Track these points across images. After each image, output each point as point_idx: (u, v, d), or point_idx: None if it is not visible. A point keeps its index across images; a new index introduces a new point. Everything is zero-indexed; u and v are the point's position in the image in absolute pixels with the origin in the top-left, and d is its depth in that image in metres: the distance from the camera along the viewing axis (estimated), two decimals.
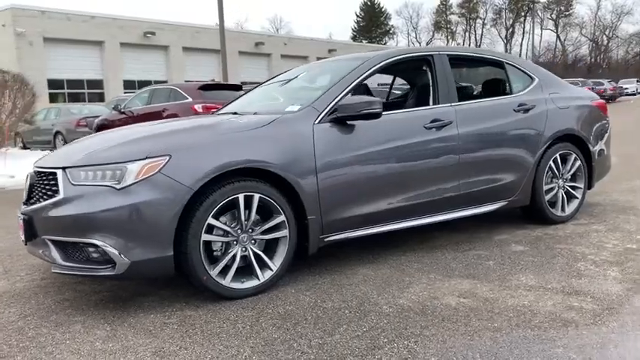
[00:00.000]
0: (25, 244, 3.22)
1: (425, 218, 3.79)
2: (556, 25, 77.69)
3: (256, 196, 3.07)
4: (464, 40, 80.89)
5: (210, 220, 2.95)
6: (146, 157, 2.86)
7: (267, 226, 3.15)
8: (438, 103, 3.92)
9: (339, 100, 3.45)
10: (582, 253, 3.70)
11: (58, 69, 26.39)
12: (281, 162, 3.14)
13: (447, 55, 4.11)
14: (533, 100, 4.37)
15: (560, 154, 4.46)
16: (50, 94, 25.99)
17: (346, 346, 2.45)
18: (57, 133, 15.71)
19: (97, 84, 28.37)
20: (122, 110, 12.30)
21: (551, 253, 3.75)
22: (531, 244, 3.97)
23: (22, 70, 24.80)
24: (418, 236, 4.25)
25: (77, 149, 3.29)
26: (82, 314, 2.98)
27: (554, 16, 77.63)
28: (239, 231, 3.08)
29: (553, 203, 4.51)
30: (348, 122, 3.45)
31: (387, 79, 5.87)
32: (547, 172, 4.41)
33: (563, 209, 4.55)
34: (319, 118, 3.39)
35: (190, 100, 10.81)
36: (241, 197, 3.03)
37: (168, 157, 2.88)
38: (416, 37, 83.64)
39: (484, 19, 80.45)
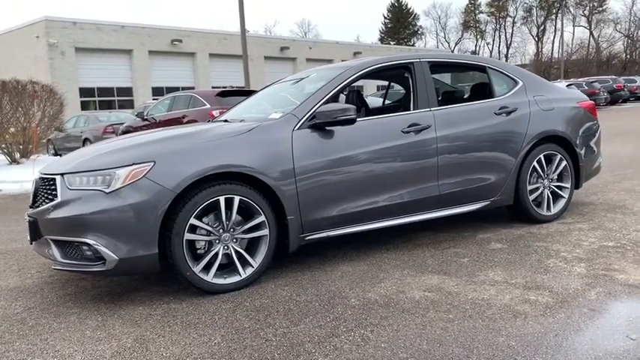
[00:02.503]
0: (31, 244, 3.55)
1: (404, 218, 3.99)
2: (589, 22, 76.06)
3: (237, 198, 3.33)
4: (493, 40, 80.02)
5: (193, 221, 3.21)
6: (132, 164, 3.15)
7: (248, 226, 3.41)
8: (418, 108, 4.12)
9: (317, 108, 3.68)
10: (556, 251, 3.84)
11: (89, 77, 27.33)
12: (261, 166, 3.39)
13: (428, 62, 4.30)
14: (516, 103, 4.52)
15: (544, 155, 4.59)
16: (82, 102, 26.94)
17: (307, 334, 2.68)
18: (85, 140, 16.36)
19: (126, 91, 29.24)
20: (145, 117, 12.77)
21: (526, 250, 3.90)
22: (511, 242, 4.12)
23: (55, 79, 25.92)
24: (404, 235, 4.45)
25: (75, 157, 3.61)
26: (79, 307, 3.28)
27: (586, 12, 76.06)
28: (221, 230, 3.34)
29: (539, 203, 4.64)
30: (327, 128, 3.68)
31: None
32: (531, 173, 4.54)
33: (549, 208, 4.67)
34: (299, 125, 3.62)
35: (208, 106, 11.19)
36: (222, 199, 3.29)
37: (152, 163, 3.16)
38: (445, 37, 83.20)
39: (514, 18, 79.36)
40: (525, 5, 78.07)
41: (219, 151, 3.33)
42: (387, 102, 6.06)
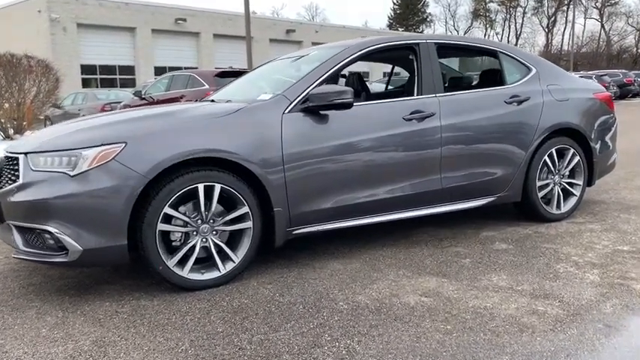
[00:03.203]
0: None
1: (402, 213, 3.67)
2: (601, 15, 74.89)
3: (217, 187, 3.01)
4: (503, 29, 78.98)
5: (168, 210, 2.91)
6: (101, 144, 2.83)
7: (229, 217, 3.10)
8: (422, 94, 3.78)
9: (311, 90, 3.35)
10: (567, 254, 3.52)
11: (90, 54, 26.94)
12: (245, 152, 3.07)
13: (435, 43, 3.95)
14: (528, 92, 4.17)
15: (556, 149, 4.26)
16: (83, 79, 26.58)
17: (287, 343, 2.38)
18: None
19: (128, 70, 28.83)
20: (143, 96, 12.44)
21: (534, 252, 3.58)
22: (517, 243, 3.81)
23: (56, 55, 25.56)
24: (402, 230, 4.14)
25: (42, 135, 3.30)
26: (41, 300, 2.99)
27: (598, 4, 74.90)
28: (199, 221, 3.03)
29: (548, 200, 4.32)
30: (321, 112, 3.35)
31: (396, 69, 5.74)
32: (541, 168, 4.22)
33: (558, 206, 4.35)
34: (290, 108, 3.30)
35: (207, 86, 10.85)
36: (201, 187, 2.97)
37: (123, 145, 2.84)
38: (454, 26, 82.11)
39: (525, 8, 78.15)
40: None
41: (199, 134, 3.01)
42: (390, 88, 5.70)
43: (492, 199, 4.06)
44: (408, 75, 4.51)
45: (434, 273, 3.23)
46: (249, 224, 3.13)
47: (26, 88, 12.16)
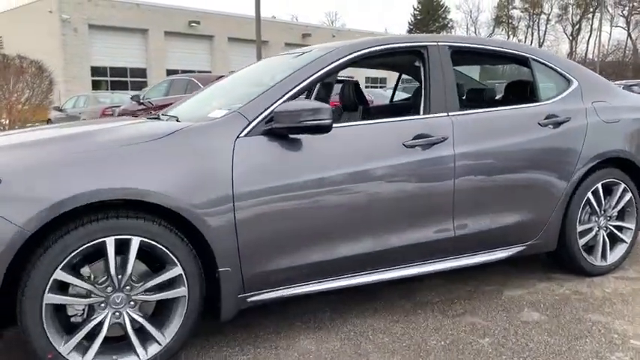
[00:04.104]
0: None
1: (400, 270, 2.78)
2: (627, 23, 72.88)
3: (135, 241, 2.16)
4: (525, 37, 77.33)
5: (60, 274, 2.05)
6: None
7: (153, 283, 2.24)
8: (430, 112, 2.88)
9: (278, 106, 2.47)
10: (622, 334, 2.59)
11: (101, 56, 26.41)
12: (176, 191, 2.21)
13: (449, 47, 3.04)
14: (569, 111, 3.25)
15: (603, 184, 3.33)
16: (93, 81, 26.08)
17: None
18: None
19: (140, 72, 28.27)
20: (141, 101, 11.72)
21: (576, 329, 2.66)
22: (552, 310, 2.89)
23: (67, 56, 25.12)
24: (403, 285, 3.23)
25: None
26: None
27: (625, 12, 72.94)
28: (109, 289, 2.17)
29: (590, 248, 3.39)
30: (291, 136, 2.48)
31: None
32: (583, 208, 3.30)
33: (604, 257, 3.41)
34: (247, 129, 2.43)
35: None
36: (110, 242, 2.12)
37: None
38: (475, 32, 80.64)
39: (548, 15, 76.51)
40: (561, 3, 75.27)
41: (110, 167, 2.15)
42: (397, 101, 4.80)
43: (520, 248, 3.14)
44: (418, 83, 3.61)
45: None
46: (182, 291, 2.27)
47: (18, 89, 11.47)
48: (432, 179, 2.77)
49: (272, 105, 2.49)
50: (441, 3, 79.69)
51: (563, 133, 3.19)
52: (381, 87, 32.11)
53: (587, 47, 74.05)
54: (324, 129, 2.41)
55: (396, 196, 2.68)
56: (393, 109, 4.10)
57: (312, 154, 2.51)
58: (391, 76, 33.49)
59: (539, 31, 77.59)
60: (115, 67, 27.38)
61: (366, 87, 28.48)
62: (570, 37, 75.75)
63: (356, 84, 3.92)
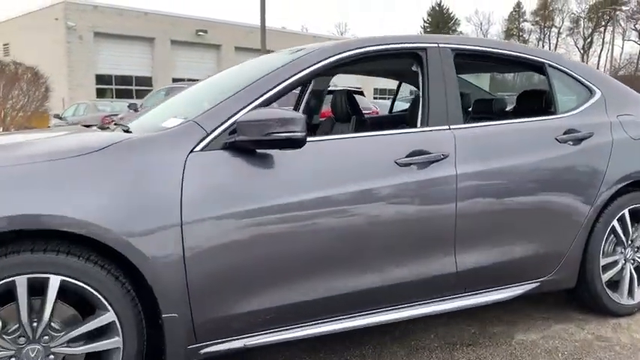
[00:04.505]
0: None
1: (389, 313, 2.33)
2: None
3: (54, 279, 1.74)
4: None
5: None
6: None
7: (80, 331, 1.81)
8: (428, 125, 2.45)
9: (242, 115, 2.05)
10: None
11: (106, 64, 26.19)
12: (106, 217, 1.78)
13: (452, 49, 2.61)
14: (591, 125, 2.81)
15: (630, 210, 2.88)
16: (98, 89, 25.86)
17: None
18: None
19: (146, 81, 28.02)
20: (138, 109, 11.43)
21: None
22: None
23: (72, 64, 24.92)
24: (393, 327, 2.76)
25: None
26: None
27: (638, 26, 72.28)
28: (23, 339, 1.74)
29: (615, 284, 2.93)
30: (259, 151, 2.05)
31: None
32: (608, 237, 2.84)
33: (631, 294, 2.95)
34: (204, 142, 2.01)
35: None
36: (21, 282, 1.70)
37: None
38: None
39: (559, 28, 75.98)
40: (573, 16, 74.76)
41: (26, 187, 1.73)
42: (397, 112, 4.38)
43: (533, 285, 2.68)
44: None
45: None
46: (116, 342, 1.84)
47: (13, 96, 11.17)
48: (430, 204, 2.33)
49: (236, 113, 2.07)
50: (451, 15, 79.59)
51: (585, 151, 2.74)
52: (389, 98, 31.73)
53: (599, 61, 73.36)
54: (297, 143, 1.98)
55: (386, 224, 2.24)
56: (391, 121, 3.67)
57: (283, 173, 2.09)
58: (404, 87, 33.11)
59: (550, 44, 77.05)
60: (121, 75, 27.17)
61: (374, 98, 28.05)
62: (582, 51, 75.15)
63: (349, 92, 3.49)
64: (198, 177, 1.94)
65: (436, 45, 2.58)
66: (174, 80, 27.57)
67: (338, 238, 2.15)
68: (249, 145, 2.01)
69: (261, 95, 2.14)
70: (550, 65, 2.89)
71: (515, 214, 2.56)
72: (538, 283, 2.70)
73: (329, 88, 4.20)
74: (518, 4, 77.64)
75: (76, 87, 24.78)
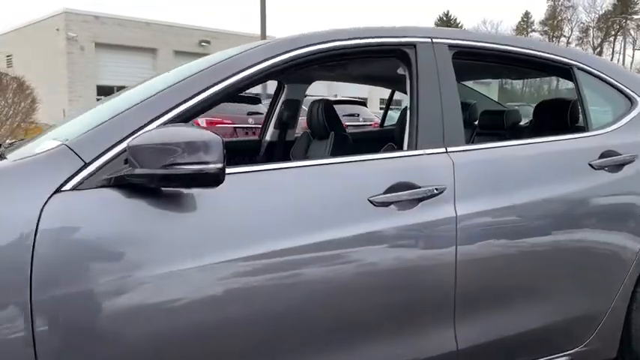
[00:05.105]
0: None
1: None
2: None
3: None
4: None
5: None
6: None
7: None
8: (417, 147, 1.79)
9: (135, 137, 1.40)
10: None
11: (108, 75, 25.86)
12: None
13: (449, 46, 1.96)
14: (634, 145, 2.14)
15: None
16: (99, 100, 25.51)
17: None
18: None
19: None
20: None
21: None
22: None
23: (73, 74, 24.56)
24: None
25: None
26: None
27: None
28: None
29: None
30: (165, 190, 1.41)
31: None
32: None
33: None
34: (80, 177, 1.37)
35: None
36: None
37: None
38: None
39: (569, 38, 75.34)
40: (582, 25, 74.03)
41: None
42: (389, 126, 3.72)
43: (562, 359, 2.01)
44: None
45: None
46: None
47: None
48: (418, 260, 1.67)
49: (131, 135, 1.42)
50: (459, 25, 79.33)
51: (628, 180, 2.08)
52: (396, 108, 31.10)
53: None
54: (209, 179, 1.33)
55: (357, 290, 1.58)
56: (378, 138, 3.00)
57: (203, 217, 1.44)
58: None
59: None
60: (122, 86, 26.71)
61: (381, 109, 27.50)
62: None
63: (327, 102, 2.85)
64: (62, 231, 1.30)
65: (429, 40, 1.92)
66: None
67: (290, 311, 1.49)
68: (145, 182, 1.36)
69: (170, 109, 1.49)
70: (580, 68, 2.21)
71: (535, 266, 1.89)
72: (568, 357, 2.02)
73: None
74: (527, 14, 77.40)
75: (77, 98, 24.43)
